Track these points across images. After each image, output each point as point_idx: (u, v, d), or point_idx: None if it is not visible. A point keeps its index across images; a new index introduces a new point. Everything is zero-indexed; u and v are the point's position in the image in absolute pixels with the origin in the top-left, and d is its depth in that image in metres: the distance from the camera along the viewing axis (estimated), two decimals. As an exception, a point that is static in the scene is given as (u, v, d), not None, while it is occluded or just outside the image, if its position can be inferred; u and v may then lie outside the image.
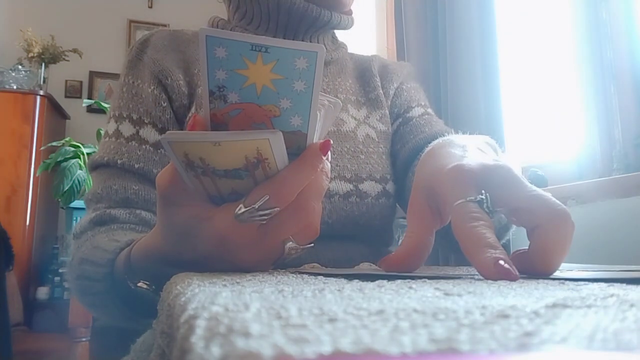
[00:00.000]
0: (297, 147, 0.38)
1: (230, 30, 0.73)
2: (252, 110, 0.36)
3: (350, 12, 0.79)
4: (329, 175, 0.41)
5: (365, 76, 0.81)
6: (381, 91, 0.79)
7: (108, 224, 0.61)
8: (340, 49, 0.82)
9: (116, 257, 0.51)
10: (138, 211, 0.62)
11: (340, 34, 0.85)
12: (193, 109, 0.66)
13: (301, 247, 0.40)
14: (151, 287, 0.48)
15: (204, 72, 0.35)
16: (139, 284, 0.48)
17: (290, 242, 0.39)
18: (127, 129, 0.65)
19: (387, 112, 0.78)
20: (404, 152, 0.74)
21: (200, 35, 0.33)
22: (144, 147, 0.64)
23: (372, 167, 0.71)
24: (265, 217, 0.37)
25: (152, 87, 0.67)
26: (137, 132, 0.65)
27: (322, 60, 0.34)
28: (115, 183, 0.63)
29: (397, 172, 0.75)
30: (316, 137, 0.39)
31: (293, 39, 0.73)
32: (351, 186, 0.68)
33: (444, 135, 0.74)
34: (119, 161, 0.63)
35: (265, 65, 0.34)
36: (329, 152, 0.40)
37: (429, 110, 0.81)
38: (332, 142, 0.40)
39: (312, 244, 0.41)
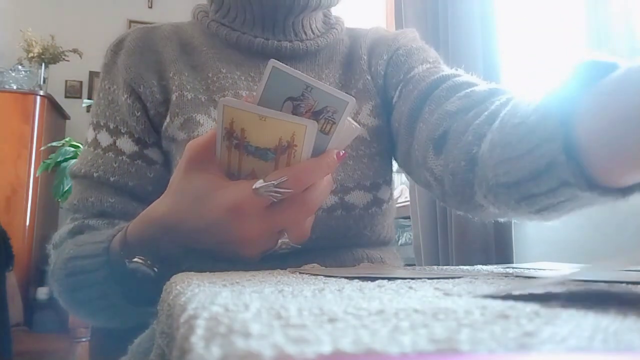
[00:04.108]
0: (318, 152, 0.44)
1: (207, 25, 0.71)
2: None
3: None
4: (332, 188, 0.47)
5: (354, 61, 0.71)
6: (368, 76, 0.70)
7: (88, 232, 0.61)
8: (332, 29, 0.72)
9: (110, 244, 0.52)
10: (116, 221, 0.62)
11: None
12: (168, 118, 0.64)
13: (291, 244, 0.47)
14: (146, 262, 0.49)
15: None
16: (135, 259, 0.49)
17: (283, 238, 0.46)
18: (104, 138, 0.65)
19: (379, 101, 0.69)
20: (408, 104, 0.63)
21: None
22: (120, 158, 0.64)
23: (362, 174, 0.64)
24: (279, 196, 0.43)
25: (126, 96, 0.65)
26: (114, 142, 0.65)
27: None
28: (91, 195, 0.63)
29: (403, 130, 0.64)
30: (332, 145, 0.46)
31: (273, 27, 0.69)
32: (336, 199, 0.62)
33: (456, 77, 0.61)
34: (94, 174, 0.63)
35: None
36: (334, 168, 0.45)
37: (440, 64, 0.68)
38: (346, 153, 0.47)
39: (300, 246, 0.48)
